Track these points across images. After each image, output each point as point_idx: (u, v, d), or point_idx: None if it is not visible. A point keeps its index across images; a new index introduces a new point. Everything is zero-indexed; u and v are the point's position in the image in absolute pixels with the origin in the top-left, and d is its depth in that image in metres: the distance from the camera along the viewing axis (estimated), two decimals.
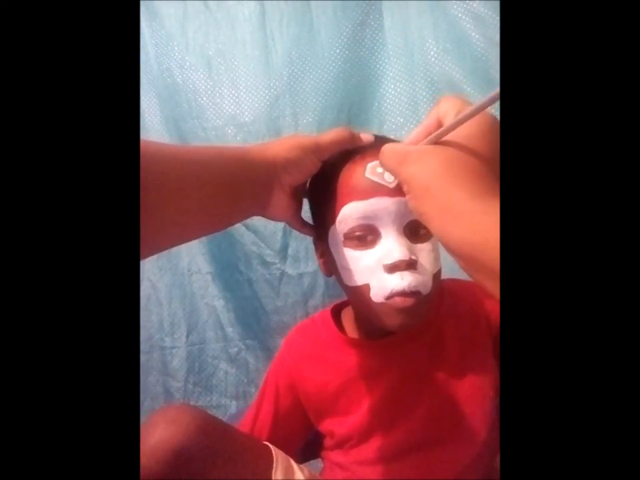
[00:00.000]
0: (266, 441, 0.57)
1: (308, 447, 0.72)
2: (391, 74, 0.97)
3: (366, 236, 0.46)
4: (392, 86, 0.97)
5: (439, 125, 0.36)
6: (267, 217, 0.48)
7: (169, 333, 1.17)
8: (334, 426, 0.59)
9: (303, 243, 1.06)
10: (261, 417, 0.61)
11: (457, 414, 0.54)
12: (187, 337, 1.16)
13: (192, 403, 1.16)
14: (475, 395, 0.54)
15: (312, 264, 1.06)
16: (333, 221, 0.47)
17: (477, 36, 0.89)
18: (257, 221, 0.44)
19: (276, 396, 0.61)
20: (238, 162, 0.41)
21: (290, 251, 1.07)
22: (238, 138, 1.06)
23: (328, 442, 0.62)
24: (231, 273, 1.12)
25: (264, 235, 1.07)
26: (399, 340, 0.55)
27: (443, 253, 0.48)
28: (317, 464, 0.71)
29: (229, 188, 0.40)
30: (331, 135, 0.46)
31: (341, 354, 0.58)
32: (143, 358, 1.16)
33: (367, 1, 0.96)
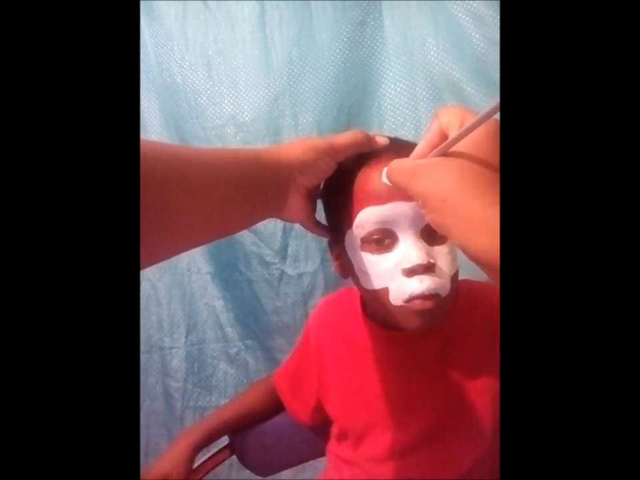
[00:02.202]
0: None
1: (308, 447, 0.72)
2: (391, 74, 0.97)
3: (383, 240, 0.46)
4: (392, 86, 0.97)
5: (443, 137, 0.35)
6: (282, 219, 0.48)
7: (168, 333, 1.17)
8: (341, 409, 0.61)
9: (302, 243, 1.06)
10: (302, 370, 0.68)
11: (466, 412, 0.55)
12: (187, 337, 1.16)
13: (191, 404, 1.16)
14: (485, 394, 0.55)
15: (312, 264, 1.06)
16: (350, 225, 0.47)
17: (477, 36, 0.89)
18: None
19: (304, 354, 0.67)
20: (253, 164, 0.41)
21: (289, 251, 1.07)
22: (237, 138, 1.06)
23: (334, 430, 0.64)
24: (230, 272, 1.12)
25: (263, 234, 1.07)
26: (410, 336, 0.55)
27: (458, 253, 0.48)
28: (317, 464, 0.71)
29: (246, 191, 0.40)
30: (346, 137, 0.46)
31: (358, 333, 0.59)
32: (142, 358, 1.17)
33: (366, 1, 0.96)
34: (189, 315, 1.15)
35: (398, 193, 0.41)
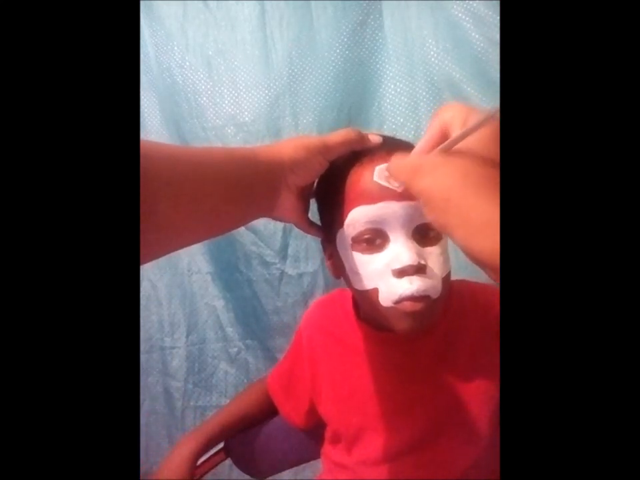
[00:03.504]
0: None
1: (303, 450, 0.72)
2: (391, 74, 0.97)
3: (374, 239, 0.45)
4: (392, 86, 0.97)
5: (444, 133, 0.35)
6: (274, 218, 0.47)
7: (168, 333, 1.17)
8: (334, 412, 0.61)
9: (302, 243, 1.06)
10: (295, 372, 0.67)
11: (461, 414, 0.54)
12: (187, 337, 1.16)
13: (192, 403, 1.16)
14: (481, 395, 0.54)
15: (312, 264, 1.06)
16: (341, 224, 0.46)
17: (476, 36, 0.89)
18: (256, 220, 0.44)
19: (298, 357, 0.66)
20: (245, 163, 0.41)
21: (290, 251, 1.07)
22: (238, 138, 1.06)
23: (328, 433, 0.64)
24: (230, 272, 1.12)
25: (264, 234, 1.07)
26: (404, 337, 0.55)
27: (450, 254, 0.48)
28: (318, 464, 0.71)
29: (237, 190, 0.40)
30: (339, 135, 0.45)
31: (350, 335, 0.59)
32: (142, 358, 1.17)
33: (367, 1, 0.96)
34: (190, 314, 1.15)
35: (389, 192, 0.41)
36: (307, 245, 1.06)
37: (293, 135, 1.02)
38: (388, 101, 0.98)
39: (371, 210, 0.44)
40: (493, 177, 0.31)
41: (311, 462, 0.76)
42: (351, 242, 0.46)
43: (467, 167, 0.32)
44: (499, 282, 0.29)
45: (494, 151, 0.32)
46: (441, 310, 0.50)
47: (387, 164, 0.38)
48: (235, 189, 0.39)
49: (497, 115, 0.30)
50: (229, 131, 1.06)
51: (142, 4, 1.04)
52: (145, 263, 0.33)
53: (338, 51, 0.98)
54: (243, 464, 0.74)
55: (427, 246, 0.45)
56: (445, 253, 0.47)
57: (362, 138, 0.47)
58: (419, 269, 0.44)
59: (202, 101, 1.07)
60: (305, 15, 0.99)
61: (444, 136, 0.35)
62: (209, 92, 1.06)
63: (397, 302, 0.44)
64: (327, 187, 0.49)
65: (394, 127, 0.97)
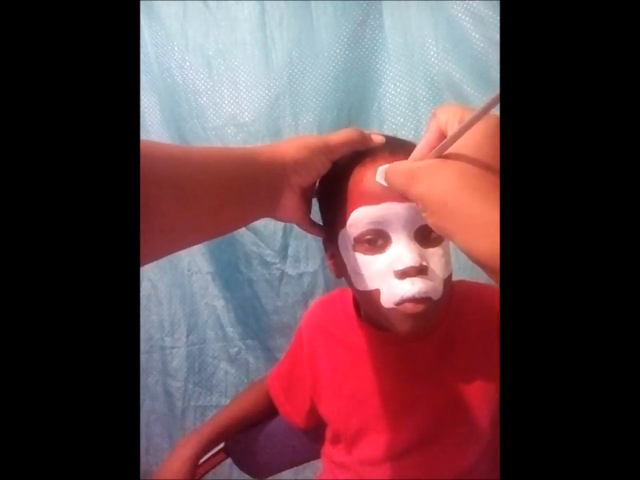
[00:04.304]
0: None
1: (303, 450, 0.72)
2: (391, 74, 0.97)
3: (376, 240, 0.45)
4: (392, 86, 0.97)
5: (442, 136, 0.35)
6: (276, 219, 0.47)
7: (169, 333, 1.17)
8: (334, 412, 0.61)
9: (303, 243, 1.06)
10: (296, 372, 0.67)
11: (462, 414, 0.54)
12: (187, 336, 1.16)
13: (192, 403, 1.16)
14: (481, 396, 0.54)
15: (312, 264, 1.06)
16: (343, 225, 0.46)
17: (477, 36, 0.89)
18: (257, 220, 0.45)
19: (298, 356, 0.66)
20: (247, 164, 0.41)
21: (290, 251, 1.07)
22: (238, 138, 1.06)
23: (328, 433, 0.64)
24: (231, 272, 1.12)
25: (264, 234, 1.07)
26: (405, 337, 0.55)
27: (452, 255, 0.48)
28: (318, 464, 0.71)
29: (239, 190, 0.39)
30: (341, 135, 0.45)
31: (351, 335, 0.59)
32: (142, 358, 1.17)
33: (366, 1, 0.96)
34: (190, 314, 1.16)
35: (392, 193, 0.41)
36: (307, 245, 1.06)
37: (293, 135, 1.02)
38: (388, 101, 0.98)
39: (374, 210, 0.44)
40: (489, 179, 0.31)
41: (311, 462, 0.76)
42: (352, 242, 0.46)
43: (462, 170, 0.32)
44: (498, 282, 0.29)
45: (489, 153, 0.32)
46: (442, 311, 0.50)
47: (389, 165, 0.38)
48: (236, 189, 0.39)
49: (494, 105, 0.30)
50: (229, 131, 1.06)
51: (142, 4, 1.04)
52: (146, 263, 0.33)
53: (338, 50, 0.98)
54: (243, 464, 0.74)
55: (428, 247, 0.45)
56: (446, 255, 0.47)
57: (364, 138, 0.46)
58: (420, 271, 0.44)
59: (202, 101, 1.07)
60: (305, 15, 0.99)
61: (441, 138, 0.35)
62: (209, 92, 1.06)
63: (399, 303, 0.44)
64: (329, 187, 0.49)
65: (394, 126, 0.97)
